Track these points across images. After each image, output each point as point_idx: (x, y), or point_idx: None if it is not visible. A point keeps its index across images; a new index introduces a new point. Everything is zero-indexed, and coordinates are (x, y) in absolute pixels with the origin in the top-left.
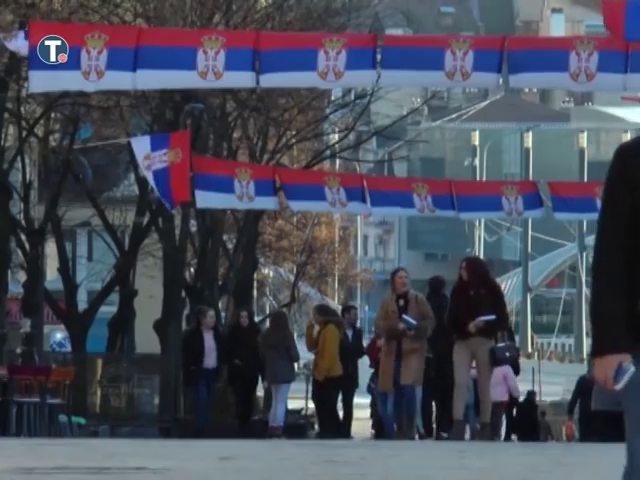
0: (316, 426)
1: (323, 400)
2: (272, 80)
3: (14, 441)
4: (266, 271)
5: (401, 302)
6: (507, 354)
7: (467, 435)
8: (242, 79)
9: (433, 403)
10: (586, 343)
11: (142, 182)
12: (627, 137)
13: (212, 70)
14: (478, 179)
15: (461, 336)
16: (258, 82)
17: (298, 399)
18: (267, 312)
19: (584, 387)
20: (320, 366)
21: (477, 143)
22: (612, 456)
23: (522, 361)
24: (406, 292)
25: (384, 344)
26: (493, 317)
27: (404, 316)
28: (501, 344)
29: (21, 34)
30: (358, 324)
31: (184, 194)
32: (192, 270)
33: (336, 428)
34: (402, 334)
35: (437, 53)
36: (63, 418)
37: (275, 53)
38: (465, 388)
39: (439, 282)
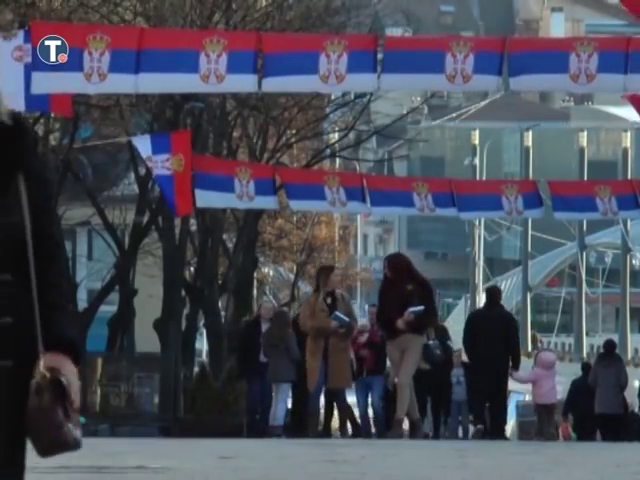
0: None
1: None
2: (274, 84)
3: None
4: (266, 270)
5: (329, 300)
6: (438, 351)
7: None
8: (244, 83)
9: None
10: (586, 342)
11: (142, 181)
12: (627, 136)
13: (214, 73)
14: (478, 178)
15: (391, 335)
16: (260, 86)
17: None
18: None
19: (579, 389)
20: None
21: (477, 142)
22: (611, 456)
23: (522, 360)
24: (333, 290)
25: (310, 342)
26: (421, 308)
27: (337, 313)
28: (431, 341)
29: (20, 34)
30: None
31: (187, 207)
32: (192, 269)
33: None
34: (334, 332)
35: (438, 56)
36: None
37: (277, 57)
38: (408, 387)
39: (497, 292)
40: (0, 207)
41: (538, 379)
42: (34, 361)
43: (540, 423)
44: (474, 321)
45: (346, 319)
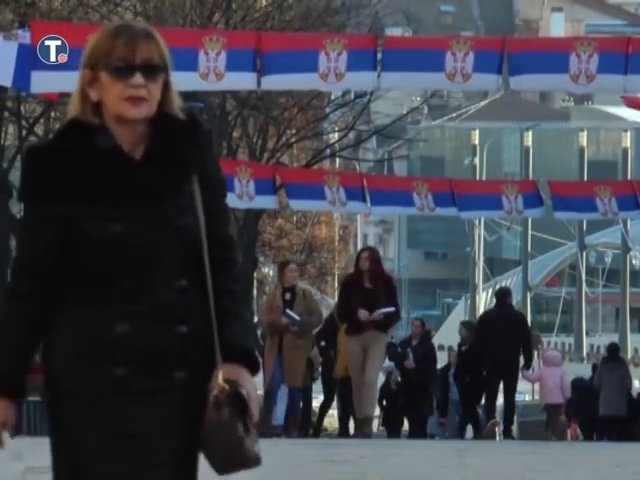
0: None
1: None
2: (273, 82)
3: (14, 440)
4: (266, 270)
5: (287, 296)
6: (399, 349)
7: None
8: (243, 81)
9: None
10: (586, 342)
11: None
12: (627, 136)
13: (213, 71)
14: (478, 178)
15: (354, 329)
16: (259, 84)
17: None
18: None
19: (583, 389)
20: (339, 364)
21: (477, 142)
22: (610, 455)
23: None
24: (293, 286)
25: (267, 340)
26: (393, 309)
27: (287, 311)
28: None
29: (21, 33)
30: None
31: None
32: None
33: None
34: (285, 329)
35: (437, 54)
36: None
37: (276, 54)
38: (374, 385)
39: (507, 292)
40: (174, 209)
41: (544, 378)
42: (209, 372)
43: (548, 422)
44: (485, 322)
45: (296, 317)
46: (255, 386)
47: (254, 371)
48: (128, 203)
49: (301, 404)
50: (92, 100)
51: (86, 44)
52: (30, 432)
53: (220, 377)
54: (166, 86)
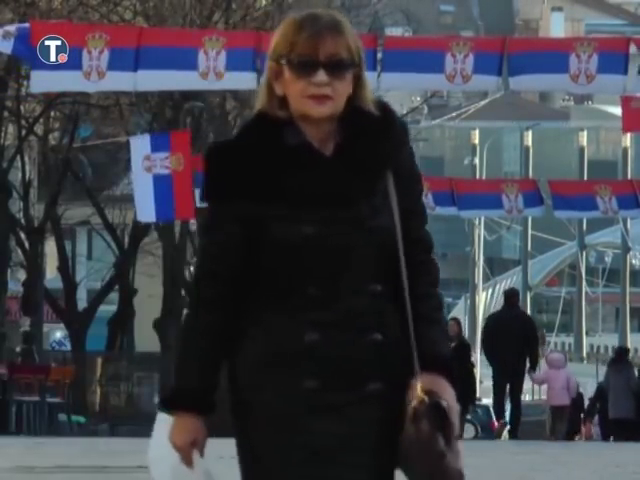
0: None
1: None
2: None
3: (14, 440)
4: None
5: None
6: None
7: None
8: (243, 80)
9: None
10: (586, 342)
11: None
12: (627, 136)
13: (213, 71)
14: (478, 177)
15: None
16: (259, 83)
17: None
18: None
19: (602, 393)
20: None
21: (477, 142)
22: (611, 456)
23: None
24: None
25: None
26: None
27: None
28: None
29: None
30: None
31: (187, 210)
32: (192, 269)
33: None
34: None
35: (437, 56)
36: (63, 417)
37: None
38: None
39: (515, 293)
40: (368, 209)
41: (549, 380)
42: (406, 383)
43: (553, 424)
44: (493, 322)
45: None
46: (454, 397)
47: (453, 382)
48: (318, 203)
49: None
50: (278, 94)
51: (274, 35)
52: (30, 431)
53: (419, 388)
54: (358, 80)
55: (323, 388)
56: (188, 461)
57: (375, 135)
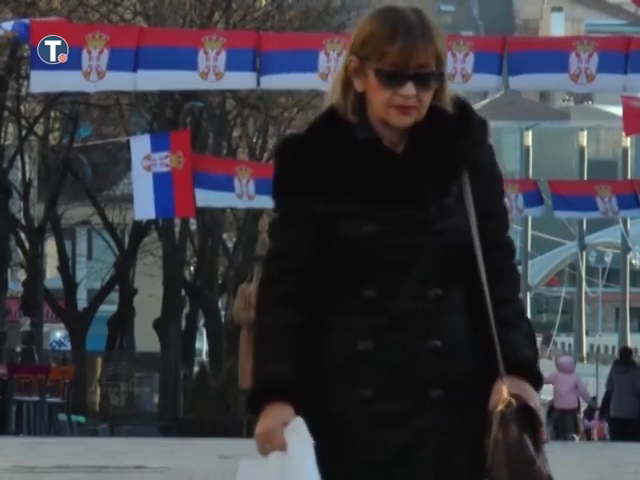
0: None
1: None
2: (273, 81)
3: (14, 440)
4: None
5: None
6: None
7: None
8: (243, 80)
9: None
10: (586, 342)
11: None
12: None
13: (213, 71)
14: None
15: None
16: (259, 83)
17: None
18: None
19: (610, 394)
20: None
21: None
22: (611, 456)
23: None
24: None
25: (245, 336)
26: None
27: None
28: None
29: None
30: None
31: (187, 207)
32: (192, 269)
33: None
34: None
35: None
36: (63, 417)
37: (276, 54)
38: None
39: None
40: (437, 210)
41: (555, 382)
42: (468, 389)
43: (557, 425)
44: None
45: None
46: (539, 402)
47: (537, 385)
48: (384, 201)
49: None
50: (356, 90)
51: (358, 28)
52: (30, 431)
53: (505, 391)
54: (440, 81)
55: (381, 396)
56: (280, 444)
57: (451, 134)
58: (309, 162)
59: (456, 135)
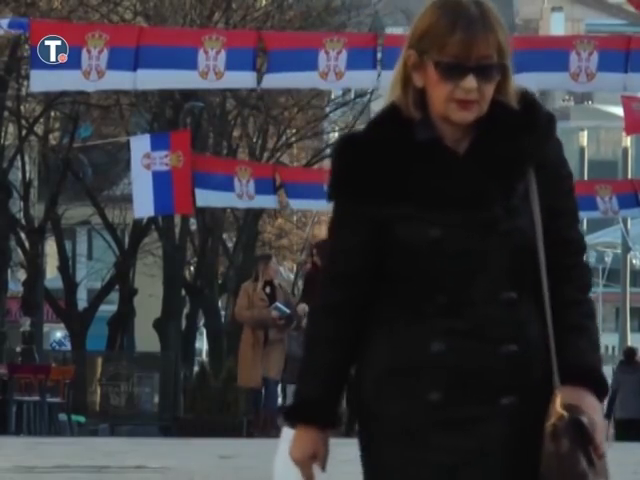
0: None
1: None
2: (273, 80)
3: (14, 440)
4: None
5: (267, 290)
6: None
7: None
8: (243, 79)
9: None
10: None
11: None
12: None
13: (213, 70)
14: None
15: None
16: (259, 82)
17: None
18: None
19: (614, 394)
20: None
21: None
22: (610, 455)
23: None
24: (271, 280)
25: (248, 334)
26: None
27: (277, 304)
28: None
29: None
30: None
31: (186, 205)
32: (192, 269)
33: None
34: (273, 323)
35: None
36: (63, 417)
37: (276, 53)
38: None
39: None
40: (503, 211)
41: None
42: (544, 397)
43: None
44: None
45: (287, 310)
46: (601, 412)
47: (601, 394)
48: (448, 205)
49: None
50: (416, 86)
51: (416, 21)
52: (30, 431)
53: (558, 402)
54: (504, 72)
55: (450, 402)
56: (307, 476)
57: (516, 131)
58: (366, 162)
59: (521, 131)
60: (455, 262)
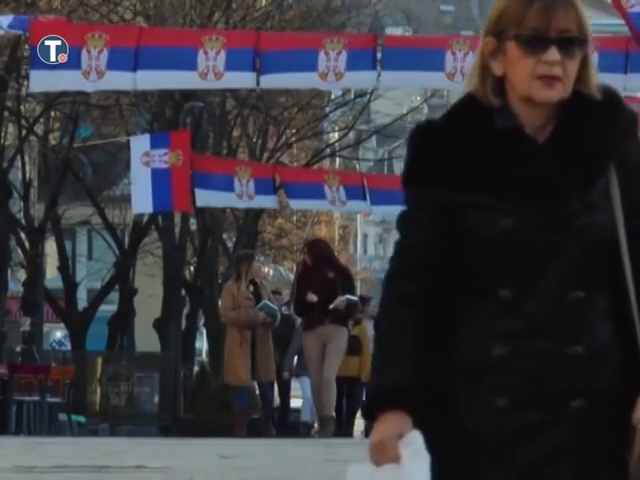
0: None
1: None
2: (273, 81)
3: (14, 440)
4: (266, 270)
5: (251, 288)
6: None
7: None
8: (243, 80)
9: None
10: None
11: None
12: None
13: (212, 70)
14: None
15: (311, 325)
16: (259, 83)
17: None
18: None
19: None
20: (365, 366)
21: None
22: None
23: None
24: (254, 278)
25: (235, 334)
26: (356, 299)
27: (266, 302)
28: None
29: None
30: None
31: (185, 203)
32: (192, 269)
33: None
34: (262, 322)
35: (437, 54)
36: (63, 417)
37: (276, 54)
38: (333, 383)
39: None
40: (580, 205)
41: None
42: (615, 400)
43: None
44: None
45: (275, 307)
46: None
47: None
48: (522, 194)
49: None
50: (495, 74)
51: (492, 8)
52: (30, 431)
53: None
54: (584, 61)
55: (516, 406)
56: (393, 457)
57: (598, 123)
58: (442, 150)
59: (603, 124)
60: (522, 255)
